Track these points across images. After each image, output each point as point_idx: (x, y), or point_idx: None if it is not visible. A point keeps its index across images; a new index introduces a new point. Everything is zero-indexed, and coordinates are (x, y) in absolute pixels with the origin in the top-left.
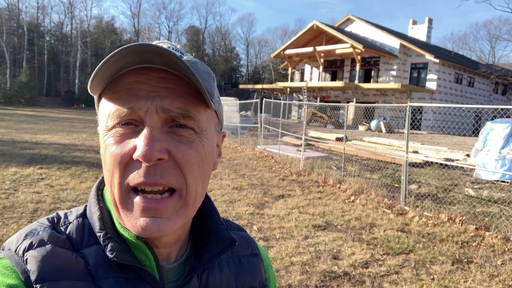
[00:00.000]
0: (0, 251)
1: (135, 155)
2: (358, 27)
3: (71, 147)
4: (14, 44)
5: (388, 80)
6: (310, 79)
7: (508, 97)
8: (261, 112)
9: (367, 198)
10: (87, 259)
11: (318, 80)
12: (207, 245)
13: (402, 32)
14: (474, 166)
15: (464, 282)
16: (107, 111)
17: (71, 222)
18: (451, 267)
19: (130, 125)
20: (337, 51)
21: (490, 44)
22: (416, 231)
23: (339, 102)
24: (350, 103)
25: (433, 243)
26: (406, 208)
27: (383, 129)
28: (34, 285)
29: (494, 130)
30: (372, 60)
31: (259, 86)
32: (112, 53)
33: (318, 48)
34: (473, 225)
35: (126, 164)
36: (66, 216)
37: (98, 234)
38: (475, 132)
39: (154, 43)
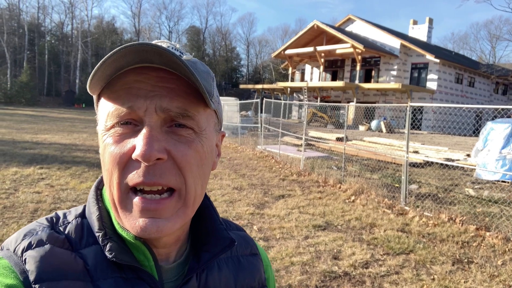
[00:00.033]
0: None
1: (134, 155)
2: (359, 27)
3: (72, 147)
4: (14, 44)
5: (388, 80)
6: (311, 79)
7: (509, 97)
8: (261, 112)
9: (368, 198)
10: (86, 259)
11: (319, 80)
12: (206, 245)
13: (403, 32)
14: (475, 166)
15: (464, 282)
16: (106, 110)
17: (70, 222)
18: (451, 267)
19: (129, 125)
20: (338, 51)
21: (490, 44)
22: (417, 231)
23: (340, 102)
24: (351, 103)
25: (433, 243)
26: (407, 208)
27: (384, 129)
28: (33, 285)
29: (495, 130)
30: (372, 60)
31: (259, 86)
32: (111, 52)
33: (319, 48)
34: (474, 225)
35: (125, 164)
36: (65, 216)
37: (97, 234)
38: (476, 132)
39: (153, 42)
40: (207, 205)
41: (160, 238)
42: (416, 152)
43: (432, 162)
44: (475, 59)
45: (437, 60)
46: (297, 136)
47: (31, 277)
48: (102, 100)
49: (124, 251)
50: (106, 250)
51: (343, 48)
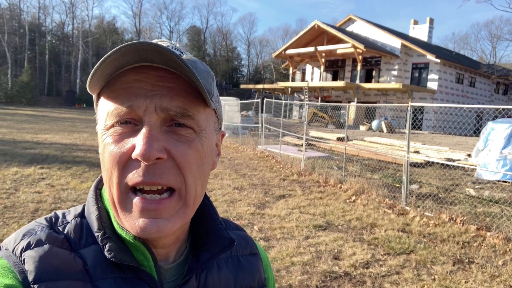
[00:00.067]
0: None
1: (134, 154)
2: (360, 27)
3: (72, 147)
4: (15, 44)
5: (389, 80)
6: (311, 79)
7: (510, 97)
8: (262, 112)
9: (368, 198)
10: (85, 259)
11: (319, 80)
12: (205, 245)
13: (404, 32)
14: (475, 166)
15: (465, 282)
16: (105, 110)
17: (69, 222)
18: (452, 268)
19: (129, 124)
20: (339, 51)
21: (491, 44)
22: (417, 231)
23: (340, 102)
24: (351, 103)
25: (434, 243)
26: (407, 208)
27: (384, 129)
28: (32, 286)
29: (496, 130)
30: (373, 60)
31: (260, 86)
32: (111, 51)
33: (319, 48)
34: (474, 225)
35: (125, 163)
36: (64, 215)
37: (96, 234)
38: (476, 132)
39: (153, 41)
40: (206, 204)
41: (159, 238)
42: (417, 152)
43: (433, 162)
44: (475, 59)
45: (438, 60)
46: (298, 136)
47: (30, 277)
48: (102, 99)
49: (123, 251)
50: (105, 250)
51: (344, 48)
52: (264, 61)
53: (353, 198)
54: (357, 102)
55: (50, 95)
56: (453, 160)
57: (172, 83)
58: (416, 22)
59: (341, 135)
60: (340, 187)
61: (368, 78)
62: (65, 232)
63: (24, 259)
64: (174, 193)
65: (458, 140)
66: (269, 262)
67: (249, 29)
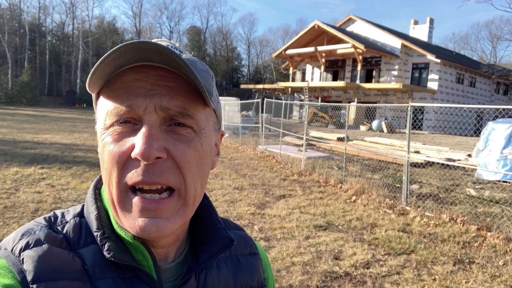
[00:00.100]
0: None
1: (134, 154)
2: (360, 27)
3: (73, 147)
4: (15, 44)
5: (389, 80)
6: (312, 79)
7: (510, 97)
8: (262, 112)
9: (369, 198)
10: (84, 259)
11: (320, 80)
12: (205, 244)
13: (404, 32)
14: (476, 166)
15: (465, 282)
16: (105, 109)
17: (68, 222)
18: (452, 268)
19: (128, 124)
20: (339, 51)
21: (491, 44)
22: (418, 231)
23: (341, 102)
24: (352, 103)
25: (434, 243)
26: (408, 208)
27: (385, 129)
28: (31, 285)
29: (496, 130)
30: (373, 60)
31: (260, 86)
32: (111, 50)
33: (320, 48)
34: (475, 225)
35: (125, 162)
36: (63, 215)
37: (95, 234)
38: (477, 132)
39: (153, 41)
40: (206, 204)
41: (159, 238)
42: (417, 152)
43: (433, 162)
44: (476, 59)
45: (438, 60)
46: (298, 136)
47: (29, 277)
48: (101, 98)
49: (122, 251)
50: (105, 250)
51: (344, 48)
52: (264, 61)
53: (354, 198)
54: (357, 102)
55: (50, 95)
56: (454, 160)
57: (171, 82)
58: (416, 22)
59: (341, 135)
60: (341, 187)
61: (368, 78)
62: (64, 231)
63: (23, 258)
64: (173, 192)
65: (459, 140)
66: (269, 262)
67: (249, 29)
